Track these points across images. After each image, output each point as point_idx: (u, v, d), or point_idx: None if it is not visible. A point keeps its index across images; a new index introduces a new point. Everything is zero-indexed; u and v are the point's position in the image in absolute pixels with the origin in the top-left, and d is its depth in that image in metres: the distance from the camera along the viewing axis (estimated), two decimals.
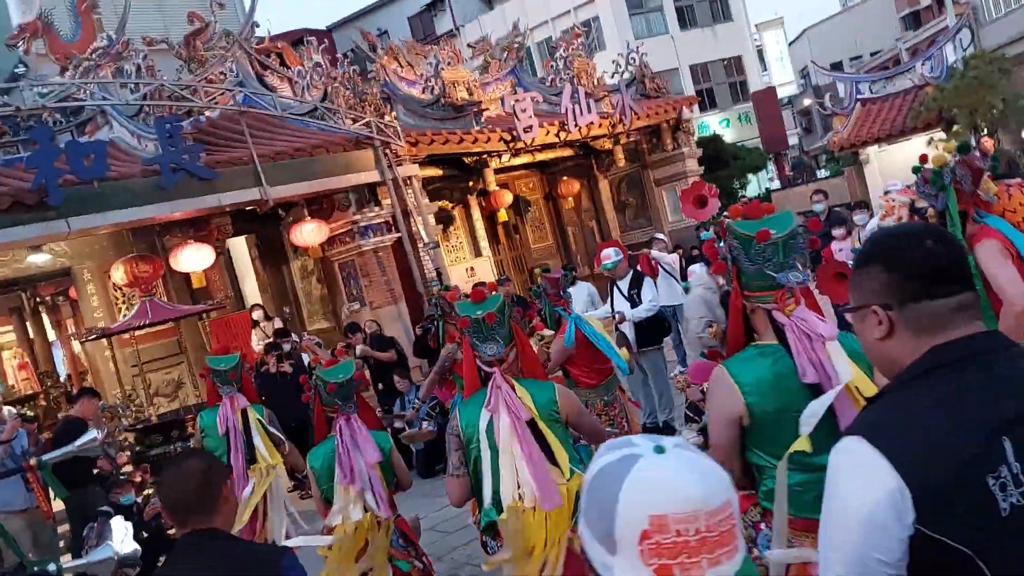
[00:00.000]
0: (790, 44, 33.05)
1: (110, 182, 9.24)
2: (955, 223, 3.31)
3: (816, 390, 2.29)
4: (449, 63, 13.51)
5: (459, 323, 3.28)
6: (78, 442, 4.38)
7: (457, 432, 3.23)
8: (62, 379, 15.02)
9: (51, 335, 16.02)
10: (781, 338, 2.38)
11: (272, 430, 5.26)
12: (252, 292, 13.10)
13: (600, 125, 14.23)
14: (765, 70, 30.19)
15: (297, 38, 17.74)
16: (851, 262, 5.54)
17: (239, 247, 13.20)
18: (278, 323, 10.52)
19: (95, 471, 7.13)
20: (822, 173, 18.45)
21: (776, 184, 23.58)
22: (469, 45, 16.86)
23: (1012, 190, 3.55)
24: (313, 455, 4.03)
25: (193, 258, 10.35)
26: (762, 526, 2.52)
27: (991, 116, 11.42)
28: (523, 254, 16.53)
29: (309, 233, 11.24)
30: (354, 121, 11.25)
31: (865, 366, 2.30)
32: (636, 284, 6.84)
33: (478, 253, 14.12)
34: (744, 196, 15.85)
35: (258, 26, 13.55)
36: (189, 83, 10.94)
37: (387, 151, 11.27)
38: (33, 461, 4.30)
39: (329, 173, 10.92)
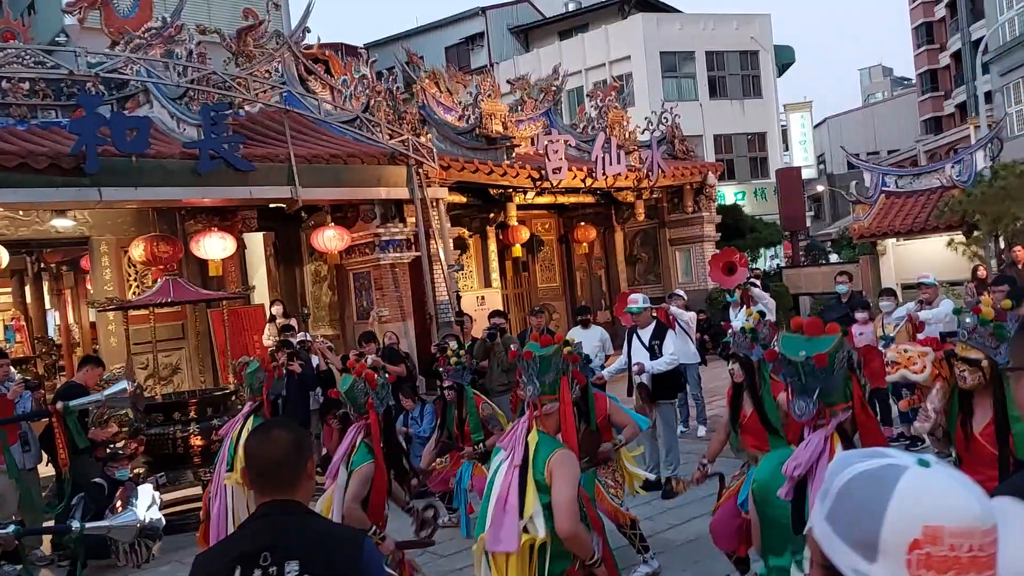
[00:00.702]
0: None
1: (147, 159, 9.30)
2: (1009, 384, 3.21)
3: (799, 501, 2.44)
4: (489, 95, 13.70)
5: (524, 355, 3.39)
6: (108, 391, 4.38)
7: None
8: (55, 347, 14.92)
9: (47, 302, 15.95)
10: None
11: None
12: (262, 289, 13.08)
13: (626, 178, 14.41)
14: (787, 150, 30.66)
15: (336, 50, 18.04)
16: (878, 346, 5.50)
17: (255, 243, 13.23)
18: (290, 321, 10.52)
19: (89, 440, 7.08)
20: (834, 258, 18.68)
21: (781, 262, 23.82)
22: (508, 81, 17.10)
23: None
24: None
25: (215, 246, 10.39)
26: None
27: (1014, 227, 11.62)
28: (529, 292, 16.60)
29: (330, 239, 11.30)
30: (391, 136, 11.37)
31: None
32: (659, 335, 6.88)
33: (488, 284, 14.18)
34: (756, 268, 16.01)
35: (309, 31, 13.75)
36: (237, 75, 11.06)
37: (419, 170, 11.38)
38: (60, 405, 4.27)
39: (360, 183, 11.02)
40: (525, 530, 3.05)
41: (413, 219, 11.56)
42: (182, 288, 8.39)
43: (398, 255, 11.61)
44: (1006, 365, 3.24)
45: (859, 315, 7.72)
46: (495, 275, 14.36)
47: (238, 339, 11.26)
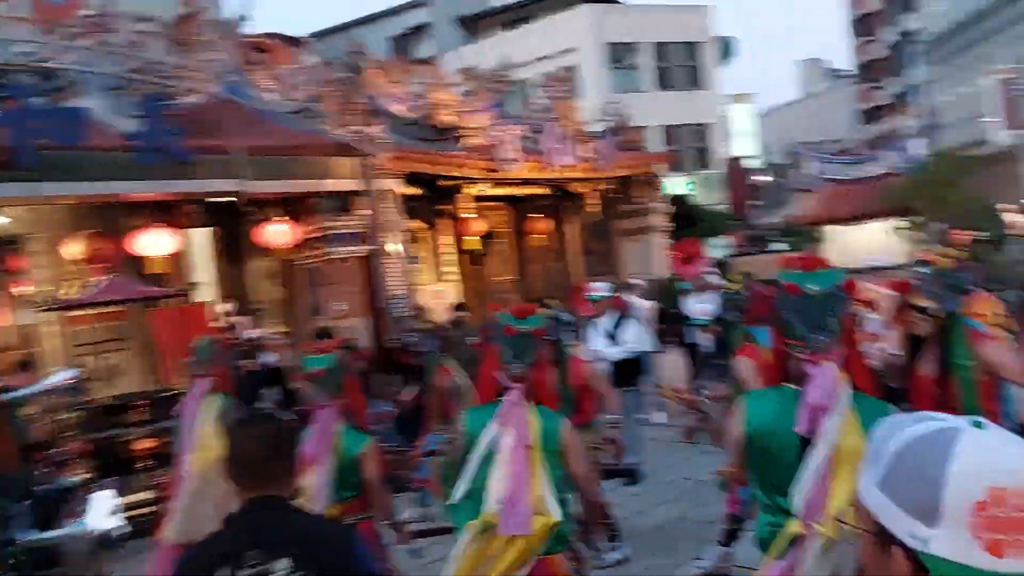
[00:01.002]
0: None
1: (85, 152, 8.92)
2: (959, 331, 3.60)
3: (805, 440, 2.41)
4: (439, 84, 13.52)
5: (503, 331, 3.23)
6: (55, 378, 4.16)
7: (460, 437, 3.23)
8: None
9: None
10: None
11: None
12: (205, 286, 12.70)
13: (578, 168, 14.39)
14: (730, 141, 31.11)
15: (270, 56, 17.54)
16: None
17: (199, 239, 12.83)
18: (235, 319, 10.23)
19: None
20: (775, 246, 19.03)
21: (731, 251, 24.13)
22: (459, 71, 16.92)
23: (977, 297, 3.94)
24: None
25: (156, 242, 10.04)
26: None
27: (953, 211, 11.94)
28: (483, 286, 16.47)
29: (278, 234, 11.01)
30: (340, 127, 11.13)
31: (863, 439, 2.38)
32: (618, 323, 6.86)
33: (441, 277, 14.02)
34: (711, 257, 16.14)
35: (251, 19, 13.39)
36: (177, 64, 10.69)
37: (370, 161, 11.16)
38: (4, 398, 4.03)
39: (309, 175, 10.77)
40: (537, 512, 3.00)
41: (364, 212, 11.34)
42: (128, 286, 8.06)
43: (350, 249, 11.37)
44: (953, 313, 3.66)
45: None
46: (450, 269, 14.20)
47: (183, 339, 10.89)
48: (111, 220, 10.86)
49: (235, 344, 8.09)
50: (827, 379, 2.43)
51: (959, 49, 27.04)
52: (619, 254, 16.66)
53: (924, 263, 3.78)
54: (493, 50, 27.03)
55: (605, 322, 6.89)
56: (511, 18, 33.87)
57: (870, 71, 48.72)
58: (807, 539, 2.36)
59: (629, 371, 6.92)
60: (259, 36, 14.67)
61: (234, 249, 12.91)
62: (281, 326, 12.41)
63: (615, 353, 6.70)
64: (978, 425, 1.02)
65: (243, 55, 12.79)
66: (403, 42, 34.19)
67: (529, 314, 3.29)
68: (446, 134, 13.08)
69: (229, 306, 10.86)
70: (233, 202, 10.92)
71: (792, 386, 2.53)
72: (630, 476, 6.71)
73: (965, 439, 1.00)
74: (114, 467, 7.08)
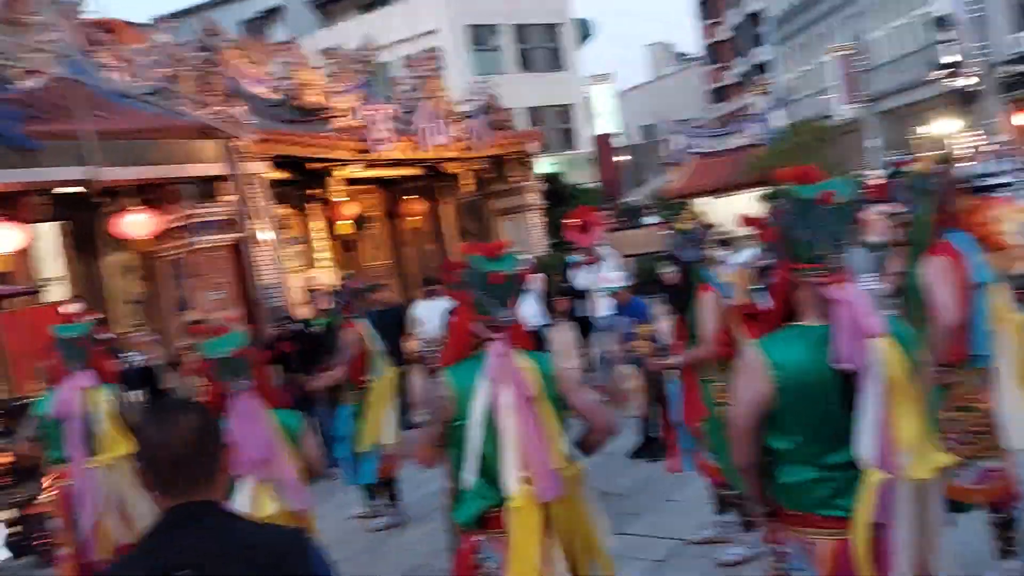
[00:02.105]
0: None
1: None
2: (921, 232, 3.54)
3: (848, 378, 2.18)
4: (301, 65, 12.97)
5: (490, 277, 2.80)
6: None
7: (447, 400, 2.80)
8: None
9: None
10: (825, 318, 2.25)
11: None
12: (56, 285, 11.68)
13: (451, 148, 14.20)
14: (592, 121, 31.67)
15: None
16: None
17: (46, 234, 11.77)
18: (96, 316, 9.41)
19: None
20: (647, 220, 19.53)
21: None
22: (321, 51, 16.32)
23: (994, 201, 3.88)
24: None
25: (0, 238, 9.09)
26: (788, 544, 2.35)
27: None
28: (356, 271, 16.01)
29: (137, 224, 10.24)
30: (200, 107, 10.46)
31: (907, 359, 2.21)
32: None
33: (313, 264, 13.51)
34: None
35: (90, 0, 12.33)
36: (13, 42, 9.70)
37: (233, 145, 10.55)
38: None
39: (168, 161, 10.07)
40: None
41: (230, 197, 10.73)
42: None
43: (216, 237, 10.73)
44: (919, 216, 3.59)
45: None
46: (322, 255, 13.70)
47: (32, 343, 9.97)
48: None
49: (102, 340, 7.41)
50: (859, 301, 2.18)
51: (800, 28, 28.69)
52: (496, 233, 16.60)
53: (898, 168, 3.78)
54: (351, 33, 26.33)
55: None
56: (367, 0, 33.09)
57: (717, 52, 50.90)
58: (893, 485, 2.15)
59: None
60: (101, 18, 13.58)
61: (87, 243, 11.94)
62: (144, 323, 11.59)
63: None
64: None
65: (85, 35, 11.81)
66: (256, 26, 32.74)
67: (502, 253, 2.90)
68: (313, 115, 12.57)
69: (77, 305, 10.00)
70: (84, 192, 10.05)
71: (805, 323, 2.28)
72: None
73: None
74: None
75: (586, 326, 9.90)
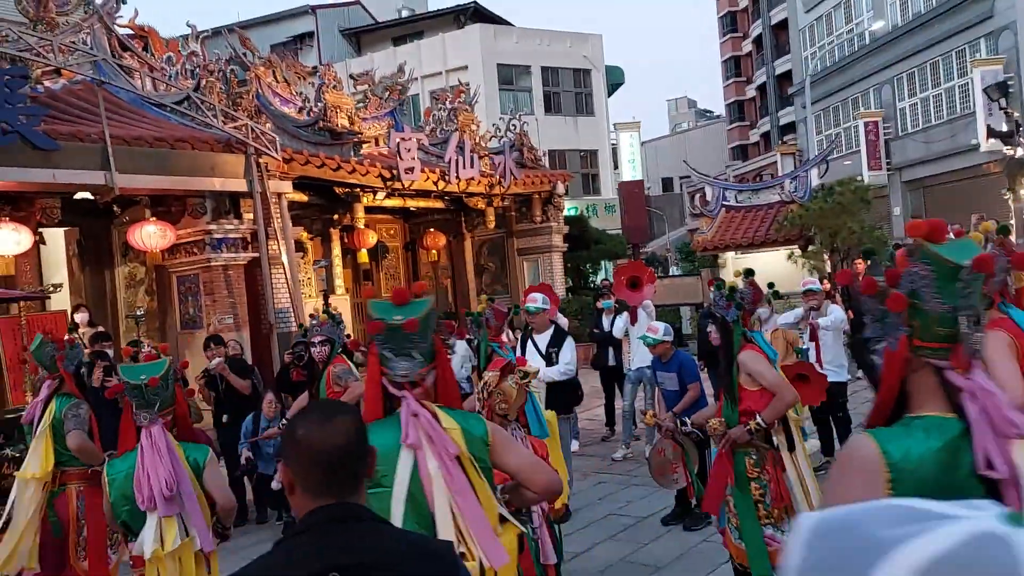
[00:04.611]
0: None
1: None
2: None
3: (993, 490, 1.67)
4: (334, 86, 12.65)
5: (369, 328, 2.57)
6: None
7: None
8: None
9: None
10: (954, 411, 1.77)
11: (76, 434, 4.60)
12: (63, 294, 11.25)
13: (479, 182, 13.83)
14: (616, 168, 31.47)
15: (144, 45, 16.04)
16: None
17: (55, 239, 11.39)
18: (100, 328, 8.97)
19: None
20: (674, 270, 19.07)
21: None
22: (351, 77, 16.10)
23: None
24: (111, 468, 3.55)
25: (6, 240, 8.69)
26: None
27: (850, 240, 12.16)
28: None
29: (151, 236, 9.81)
30: (227, 120, 10.10)
31: None
32: (557, 342, 6.26)
33: (331, 290, 13.06)
34: (605, 280, 15.87)
35: (124, 2, 12.10)
36: (40, 37, 9.40)
37: (259, 161, 10.17)
38: None
39: (190, 172, 9.66)
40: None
41: (251, 215, 10.31)
42: None
43: (232, 255, 10.29)
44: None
45: None
46: (340, 281, 13.25)
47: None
48: None
49: (99, 357, 6.94)
50: (996, 393, 1.74)
51: (831, 91, 28.53)
52: (515, 273, 16.17)
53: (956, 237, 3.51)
54: (382, 64, 26.27)
55: (542, 340, 6.25)
56: (401, 33, 33.20)
57: (740, 111, 51.00)
58: None
59: (566, 395, 6.31)
60: (132, 22, 13.36)
61: (97, 253, 11.56)
62: (147, 338, 11.12)
63: (549, 373, 6.08)
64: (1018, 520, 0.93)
65: (116, 40, 11.55)
66: (288, 50, 32.82)
67: (411, 299, 2.59)
68: (342, 139, 12.20)
69: (85, 315, 9.56)
70: (96, 198, 9.66)
71: (924, 413, 1.79)
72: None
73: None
74: None
75: (615, 375, 9.41)
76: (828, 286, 11.37)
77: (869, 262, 10.45)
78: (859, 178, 19.00)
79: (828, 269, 13.39)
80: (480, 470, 2.50)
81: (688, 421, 4.97)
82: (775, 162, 32.30)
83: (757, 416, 4.19)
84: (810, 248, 13.16)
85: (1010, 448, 1.69)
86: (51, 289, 7.97)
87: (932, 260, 1.75)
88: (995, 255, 1.76)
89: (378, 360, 2.52)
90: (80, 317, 9.46)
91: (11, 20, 10.65)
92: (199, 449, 3.63)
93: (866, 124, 25.19)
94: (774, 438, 4.31)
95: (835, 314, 7.28)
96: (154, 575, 3.43)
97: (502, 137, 15.81)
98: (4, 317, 9.58)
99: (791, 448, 4.39)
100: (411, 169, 12.32)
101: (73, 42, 10.86)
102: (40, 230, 9.77)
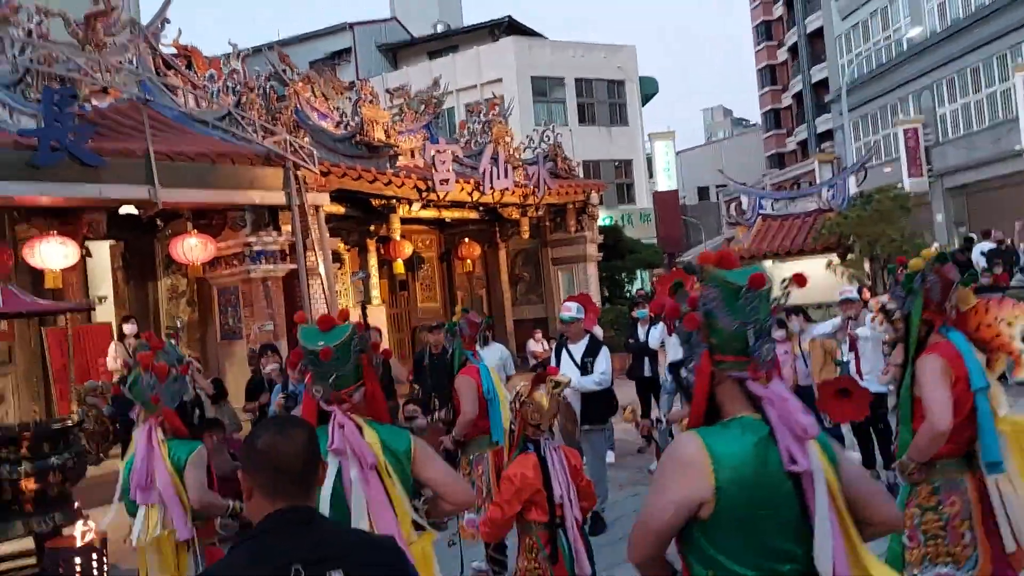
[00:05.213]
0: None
1: None
2: (913, 329, 3.39)
3: (797, 485, 1.93)
4: (370, 100, 12.85)
5: (294, 354, 3.01)
6: None
7: None
8: None
9: None
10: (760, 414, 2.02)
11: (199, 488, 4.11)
12: (107, 305, 11.55)
13: (513, 193, 13.92)
14: (651, 177, 31.42)
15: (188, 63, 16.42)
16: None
17: (101, 253, 11.69)
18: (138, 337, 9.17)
19: None
20: None
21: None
22: (388, 91, 16.31)
23: (991, 304, 3.54)
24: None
25: (54, 254, 8.95)
26: None
27: (890, 248, 12.01)
28: (408, 312, 15.74)
29: (192, 248, 10.05)
30: (266, 135, 10.31)
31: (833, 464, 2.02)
32: (592, 352, 6.28)
33: (368, 301, 13.21)
34: (640, 290, 15.87)
35: (169, 22, 12.43)
36: (88, 58, 9.69)
37: (297, 174, 10.36)
38: None
39: (230, 186, 9.89)
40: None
41: (289, 227, 10.50)
42: (16, 298, 6.98)
43: (271, 267, 10.49)
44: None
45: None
46: (375, 292, 13.41)
47: (78, 362, 9.79)
48: (1, 227, 9.74)
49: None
50: (791, 399, 1.97)
51: (870, 98, 28.21)
52: (549, 283, 16.21)
53: (899, 264, 3.72)
54: (417, 78, 26.61)
55: (577, 349, 6.28)
56: (436, 48, 33.54)
57: (776, 119, 50.54)
58: None
59: (601, 406, 6.32)
60: (176, 42, 13.72)
61: (140, 266, 11.84)
62: (190, 349, 11.35)
63: (583, 383, 6.10)
64: None
65: (162, 60, 11.86)
66: (325, 66, 33.33)
67: (334, 325, 2.94)
68: (379, 151, 12.39)
69: (133, 326, 9.79)
70: (141, 213, 9.91)
71: (746, 415, 2.01)
72: (595, 524, 6.07)
73: None
74: None
75: (651, 386, 9.38)
76: (868, 295, 11.22)
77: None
78: (899, 185, 18.77)
79: (868, 278, 13.24)
80: (399, 480, 2.75)
81: (664, 419, 5.03)
82: (812, 170, 31.98)
83: None
84: (849, 256, 13.01)
85: (805, 447, 1.93)
86: (97, 301, 8.17)
87: (718, 283, 2.01)
88: (763, 278, 2.00)
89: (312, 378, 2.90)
90: (128, 328, 9.70)
91: (61, 42, 11.02)
92: (185, 447, 3.88)
93: (906, 131, 24.84)
94: None
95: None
96: (142, 561, 3.79)
97: (536, 148, 15.90)
98: (52, 328, 9.88)
99: None
100: (446, 180, 12.46)
101: (120, 62, 11.19)
102: (86, 244, 10.04)
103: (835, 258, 13.10)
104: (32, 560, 5.83)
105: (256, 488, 1.78)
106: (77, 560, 4.40)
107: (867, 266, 12.86)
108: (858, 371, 6.95)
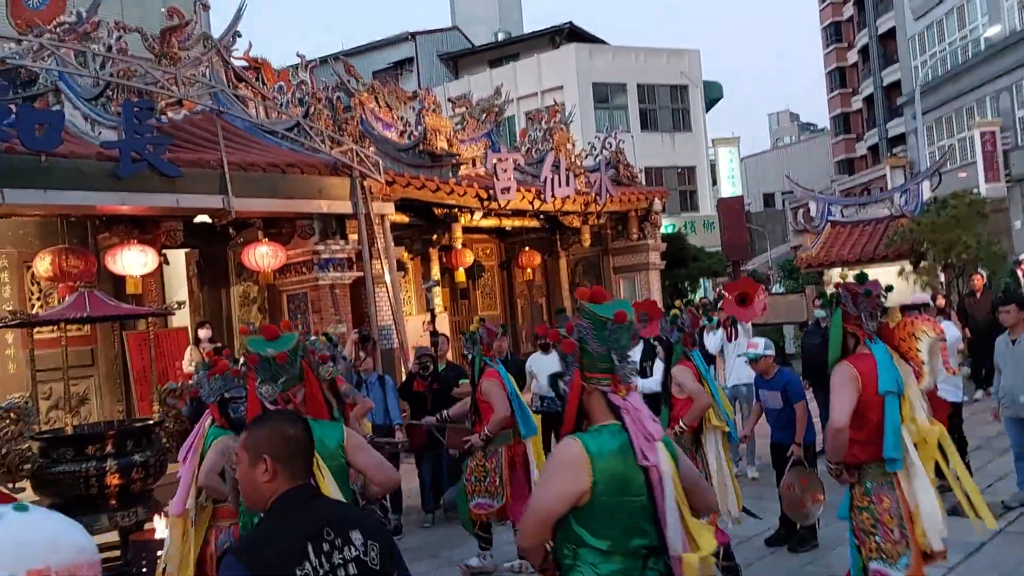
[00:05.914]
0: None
1: (59, 159, 8.23)
2: (835, 340, 3.81)
3: (647, 477, 2.42)
4: (433, 110, 13.03)
5: (248, 360, 3.35)
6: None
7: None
8: None
9: None
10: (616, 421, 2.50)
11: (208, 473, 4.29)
12: (183, 311, 11.93)
13: (574, 201, 13.92)
14: (714, 184, 31.03)
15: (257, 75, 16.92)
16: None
17: (177, 260, 12.10)
18: (218, 344, 9.50)
19: None
20: (776, 288, 18.65)
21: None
22: (449, 100, 16.51)
23: (913, 320, 3.91)
24: None
25: (134, 261, 9.31)
26: None
27: (965, 255, 11.63)
28: (469, 320, 15.84)
29: (263, 256, 10.33)
30: (333, 145, 10.55)
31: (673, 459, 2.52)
32: (649, 356, 6.35)
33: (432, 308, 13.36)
34: (704, 299, 15.68)
35: (240, 36, 12.83)
36: (164, 71, 10.07)
37: (363, 183, 10.57)
38: None
39: (299, 195, 10.14)
40: None
41: (355, 236, 10.71)
42: (100, 302, 7.29)
43: (338, 275, 10.71)
44: None
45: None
46: (437, 300, 13.55)
47: (156, 365, 10.13)
48: (84, 236, 10.16)
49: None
50: (642, 408, 2.46)
51: (944, 101, 27.35)
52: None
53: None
54: (479, 86, 26.84)
55: (633, 353, 6.31)
56: (497, 56, 33.79)
57: (846, 123, 49.35)
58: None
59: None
60: (247, 55, 14.14)
61: (214, 273, 12.20)
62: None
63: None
64: (22, 509, 1.15)
65: (233, 73, 12.24)
66: (388, 76, 33.89)
67: (279, 335, 3.38)
68: (441, 161, 12.54)
69: (208, 331, 10.12)
70: (214, 221, 10.24)
71: (612, 422, 2.47)
72: None
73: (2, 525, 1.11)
74: (78, 503, 6.25)
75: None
76: (942, 302, 10.88)
77: (982, 277, 10.10)
78: (975, 190, 18.15)
79: (942, 286, 12.83)
80: (332, 469, 3.17)
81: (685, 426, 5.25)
82: (884, 175, 31.14)
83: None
84: (922, 264, 12.63)
85: (654, 446, 2.43)
86: (175, 307, 8.48)
87: (589, 316, 2.49)
88: (624, 314, 2.51)
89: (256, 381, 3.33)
90: (204, 333, 10.03)
91: (139, 57, 11.48)
92: (218, 435, 4.23)
93: (982, 134, 24.01)
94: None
95: (949, 332, 6.98)
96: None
97: (597, 155, 15.86)
98: (132, 332, 10.26)
99: None
100: (507, 189, 12.53)
101: (193, 75, 11.58)
102: (164, 251, 10.42)
103: (907, 265, 12.73)
104: (117, 553, 6.07)
105: (281, 469, 2.06)
106: (159, 553, 4.58)
107: (941, 273, 12.46)
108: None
